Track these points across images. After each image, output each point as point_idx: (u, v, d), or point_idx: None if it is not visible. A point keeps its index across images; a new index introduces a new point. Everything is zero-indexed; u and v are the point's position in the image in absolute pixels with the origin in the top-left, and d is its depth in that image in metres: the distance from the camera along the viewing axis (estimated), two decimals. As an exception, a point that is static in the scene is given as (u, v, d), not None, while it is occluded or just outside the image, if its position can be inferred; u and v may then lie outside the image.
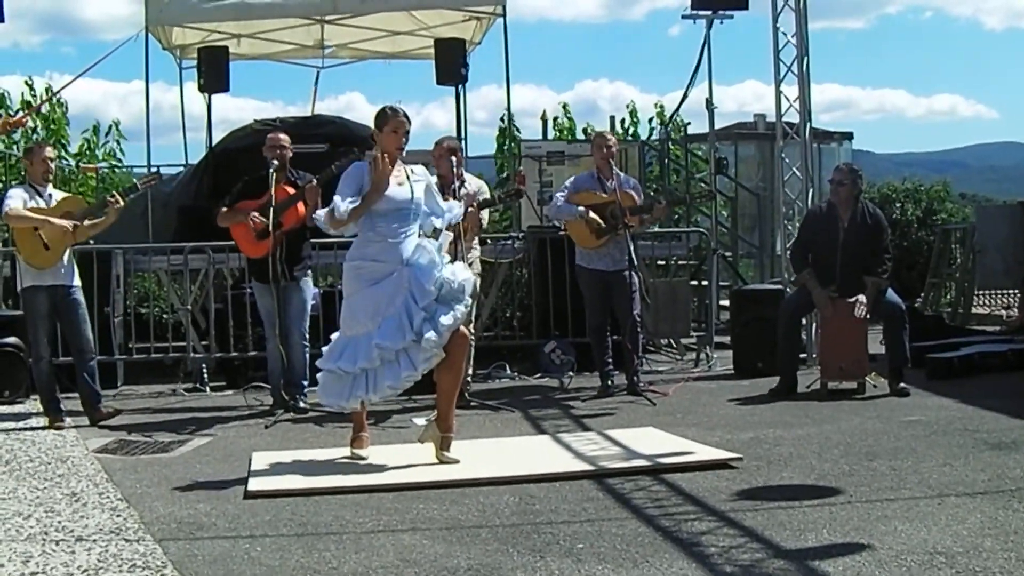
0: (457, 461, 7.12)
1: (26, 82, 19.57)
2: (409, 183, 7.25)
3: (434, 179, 7.91)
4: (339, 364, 7.13)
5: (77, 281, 9.29)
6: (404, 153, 7.31)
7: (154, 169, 15.66)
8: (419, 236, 7.23)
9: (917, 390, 9.63)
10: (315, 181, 8.93)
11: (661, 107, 21.45)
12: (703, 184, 16.01)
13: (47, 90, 19.61)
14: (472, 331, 9.78)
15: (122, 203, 9.23)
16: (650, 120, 21.25)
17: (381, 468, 7.07)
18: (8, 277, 11.49)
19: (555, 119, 21.15)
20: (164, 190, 13.85)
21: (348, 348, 7.15)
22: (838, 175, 10.08)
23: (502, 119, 17.05)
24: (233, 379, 11.33)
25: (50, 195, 9.24)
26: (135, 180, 10.67)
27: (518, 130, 20.46)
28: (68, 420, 9.15)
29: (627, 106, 21.63)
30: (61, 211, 9.08)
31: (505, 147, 17.99)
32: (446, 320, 7.00)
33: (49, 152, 9.46)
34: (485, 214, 9.94)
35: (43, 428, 9.01)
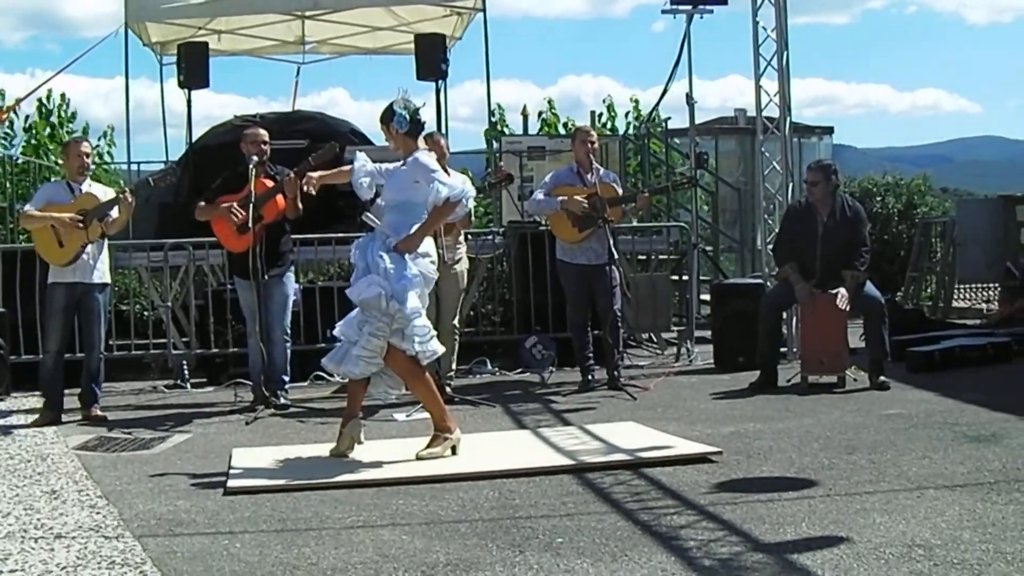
0: (442, 456, 7.19)
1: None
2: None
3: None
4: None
5: (102, 279, 9.32)
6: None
7: (134, 167, 15.74)
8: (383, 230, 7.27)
9: (897, 383, 9.66)
10: (293, 174, 8.94)
11: (636, 101, 21.52)
12: (681, 175, 16.02)
13: (49, 94, 19.66)
14: (457, 325, 9.85)
15: (132, 199, 9.24)
16: (627, 115, 21.33)
17: (361, 464, 7.07)
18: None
19: (539, 114, 21.20)
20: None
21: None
22: (810, 175, 10.06)
23: (492, 113, 17.10)
24: (214, 376, 11.31)
25: (81, 190, 9.27)
26: (150, 176, 10.65)
27: (506, 124, 20.50)
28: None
29: (604, 100, 21.69)
30: (76, 209, 9.09)
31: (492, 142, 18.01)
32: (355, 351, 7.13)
33: (85, 147, 9.54)
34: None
35: (24, 425, 8.98)
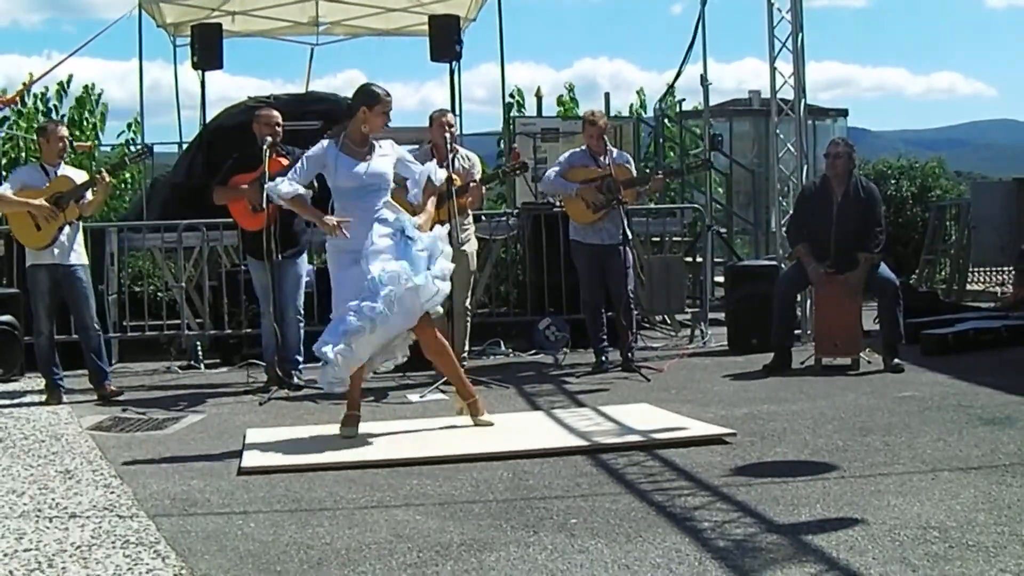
0: (491, 424, 7.48)
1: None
2: (372, 158, 7.40)
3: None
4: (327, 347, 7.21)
5: (80, 260, 9.33)
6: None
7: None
8: (396, 220, 7.35)
9: (911, 366, 9.64)
10: None
11: (641, 90, 21.67)
12: (696, 157, 15.99)
13: (52, 68, 19.63)
14: (468, 307, 9.85)
15: (108, 179, 9.28)
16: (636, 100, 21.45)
17: (375, 444, 7.08)
18: (1, 256, 11.47)
19: (559, 97, 21.27)
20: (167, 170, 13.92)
21: (333, 328, 7.24)
22: (834, 148, 10.04)
23: (511, 95, 17.20)
24: (227, 356, 11.33)
25: (56, 173, 9.28)
26: (125, 156, 10.67)
27: (523, 107, 20.51)
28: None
29: (637, 92, 21.80)
30: (52, 192, 9.10)
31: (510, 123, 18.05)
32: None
33: (63, 131, 9.58)
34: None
35: (38, 405, 9.04)
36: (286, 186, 7.43)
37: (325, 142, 7.49)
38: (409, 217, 7.41)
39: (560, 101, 21.24)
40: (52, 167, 9.28)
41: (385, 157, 7.43)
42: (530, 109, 20.45)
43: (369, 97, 7.41)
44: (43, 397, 9.24)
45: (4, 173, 16.86)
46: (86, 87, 20.35)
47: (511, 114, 17.89)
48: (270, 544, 4.99)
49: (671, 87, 17.82)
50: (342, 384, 7.26)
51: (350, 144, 7.38)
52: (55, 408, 8.89)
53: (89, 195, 9.21)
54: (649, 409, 8.11)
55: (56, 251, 9.14)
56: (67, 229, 9.17)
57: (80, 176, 9.42)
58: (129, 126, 20.80)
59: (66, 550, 4.93)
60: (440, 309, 7.68)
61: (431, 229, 7.51)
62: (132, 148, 19.33)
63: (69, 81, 20.12)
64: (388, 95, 7.45)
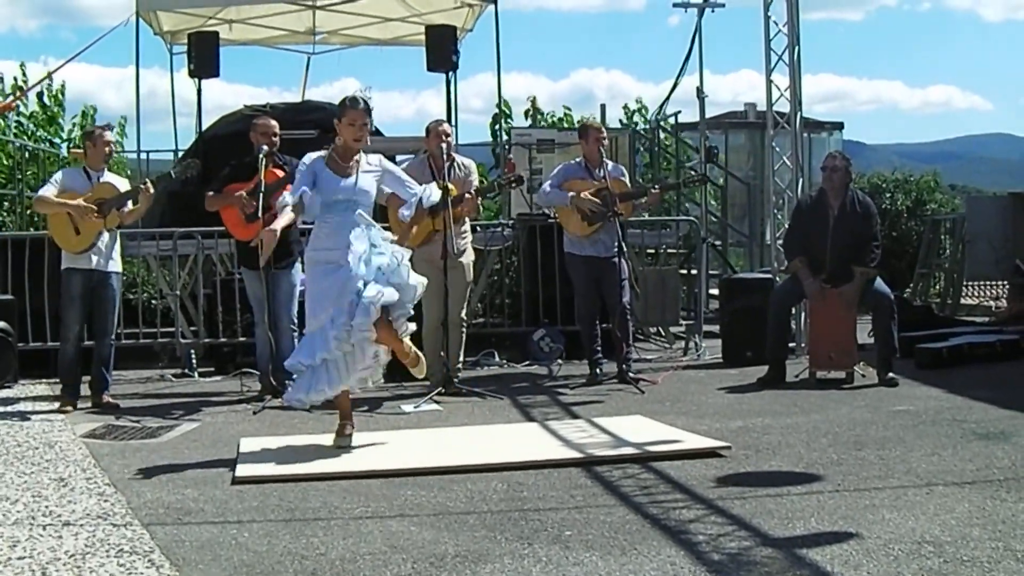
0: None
1: (20, 66, 19.48)
2: (356, 174, 7.27)
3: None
4: (300, 359, 7.20)
5: (115, 267, 9.39)
6: (367, 144, 7.42)
7: (143, 156, 15.81)
8: (367, 226, 7.23)
9: (906, 380, 9.64)
10: None
11: (632, 112, 21.67)
12: (692, 172, 16.01)
13: (48, 75, 19.50)
14: (464, 318, 9.85)
15: (152, 190, 9.29)
16: (636, 111, 21.39)
17: (369, 454, 7.07)
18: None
19: (526, 111, 21.27)
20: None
21: (307, 342, 7.25)
22: (831, 161, 10.05)
23: (498, 106, 17.18)
24: (222, 365, 11.32)
25: (99, 179, 9.29)
26: (171, 170, 10.72)
27: (510, 117, 20.49)
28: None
29: (625, 110, 21.77)
30: (94, 198, 9.11)
31: (497, 134, 18.03)
32: (369, 293, 6.96)
33: (109, 136, 9.59)
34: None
35: (32, 412, 9.01)
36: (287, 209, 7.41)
37: (313, 155, 7.43)
38: (380, 231, 7.31)
39: (561, 120, 21.25)
40: (95, 172, 9.28)
41: (369, 173, 7.32)
42: (519, 120, 20.48)
43: (339, 108, 7.33)
44: (35, 405, 9.24)
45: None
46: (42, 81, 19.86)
47: (498, 126, 17.92)
48: (264, 554, 4.99)
49: (667, 99, 17.83)
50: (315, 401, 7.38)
51: (335, 158, 7.30)
52: (48, 415, 8.87)
53: (130, 204, 9.25)
54: (643, 421, 8.10)
55: (94, 257, 9.18)
56: (106, 236, 9.20)
57: (123, 184, 9.45)
58: (120, 125, 20.74)
59: (60, 558, 4.92)
60: (412, 326, 7.49)
61: (413, 243, 7.64)
62: (121, 155, 19.34)
63: (24, 70, 19.60)
64: (358, 105, 7.22)
